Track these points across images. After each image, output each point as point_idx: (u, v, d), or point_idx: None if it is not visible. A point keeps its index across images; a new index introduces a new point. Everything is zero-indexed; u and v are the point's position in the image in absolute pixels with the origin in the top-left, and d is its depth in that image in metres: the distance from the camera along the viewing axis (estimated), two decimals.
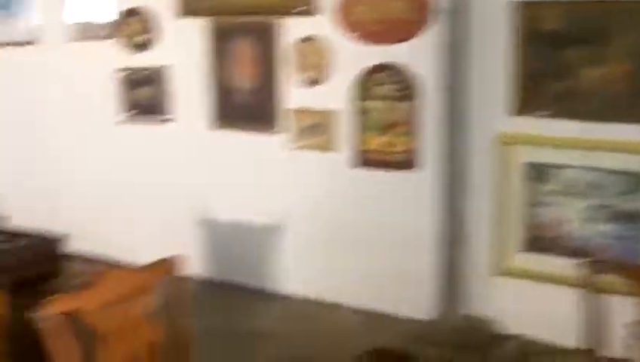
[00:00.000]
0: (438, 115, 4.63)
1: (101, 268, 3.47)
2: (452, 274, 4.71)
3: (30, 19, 6.23)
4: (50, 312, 2.03)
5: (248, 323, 4.93)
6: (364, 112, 4.97)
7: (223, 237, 5.64)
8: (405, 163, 4.85)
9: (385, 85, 4.86)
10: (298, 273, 5.39)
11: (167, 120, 5.78)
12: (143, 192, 5.95)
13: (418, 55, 4.70)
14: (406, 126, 4.82)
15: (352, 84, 4.97)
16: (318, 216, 5.28)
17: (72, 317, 2.07)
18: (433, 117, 4.68)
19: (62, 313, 2.05)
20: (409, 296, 4.91)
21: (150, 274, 2.36)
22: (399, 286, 4.95)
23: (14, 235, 3.26)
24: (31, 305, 3.25)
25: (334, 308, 5.18)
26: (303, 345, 4.58)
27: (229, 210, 5.60)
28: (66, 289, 3.41)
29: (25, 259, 3.27)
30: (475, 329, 4.65)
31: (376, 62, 4.85)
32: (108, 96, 5.97)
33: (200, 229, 5.71)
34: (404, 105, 4.81)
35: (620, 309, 2.74)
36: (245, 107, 5.45)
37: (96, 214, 5.88)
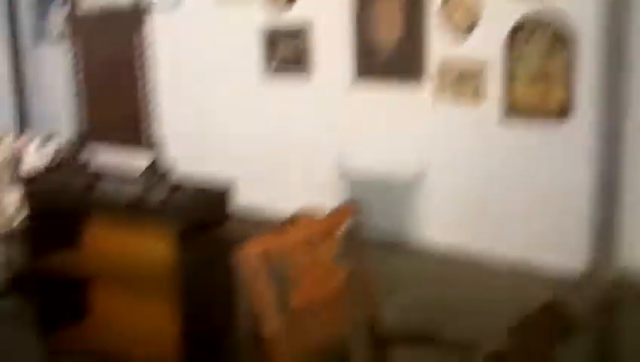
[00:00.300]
0: (595, 63, 4.45)
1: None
2: (607, 226, 4.56)
3: None
4: (249, 253, 2.08)
5: (388, 276, 4.94)
6: (515, 62, 4.83)
7: (363, 190, 5.65)
8: (559, 112, 4.69)
9: (538, 33, 4.69)
10: (440, 226, 5.36)
11: (310, 75, 5.81)
12: (286, 145, 6.03)
13: (575, 1, 4.52)
14: (561, 75, 4.65)
15: (503, 33, 4.83)
16: (463, 169, 5.21)
17: (267, 259, 2.12)
18: (590, 65, 4.50)
19: (259, 254, 2.10)
20: (561, 248, 4.79)
21: (334, 219, 2.39)
22: (550, 239, 4.84)
23: (180, 185, 3.36)
24: (200, 251, 3.38)
25: (478, 261, 5.12)
26: (446, 298, 4.54)
27: (369, 163, 5.61)
28: (233, 237, 3.51)
29: (193, 207, 3.37)
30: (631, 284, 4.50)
31: (530, 9, 4.69)
32: (254, 53, 6.05)
33: (340, 182, 5.74)
34: (559, 54, 4.64)
35: None
36: (389, 60, 5.41)
37: (243, 165, 5.98)
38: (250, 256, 2.08)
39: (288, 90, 5.97)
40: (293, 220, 2.27)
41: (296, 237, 2.23)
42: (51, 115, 7.68)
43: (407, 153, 5.43)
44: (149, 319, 3.69)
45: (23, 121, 7.82)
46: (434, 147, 5.32)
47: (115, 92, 3.41)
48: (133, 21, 3.20)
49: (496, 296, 4.49)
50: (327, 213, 2.38)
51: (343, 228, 2.41)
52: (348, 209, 2.48)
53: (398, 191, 5.49)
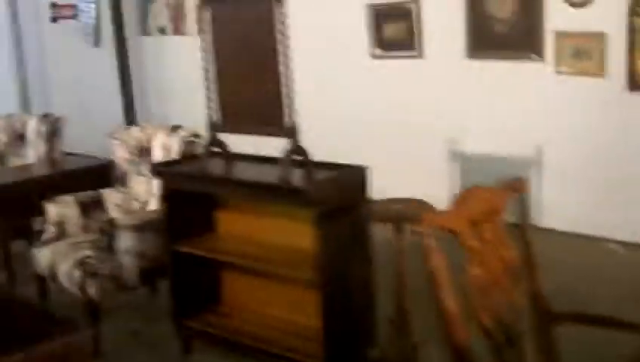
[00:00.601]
0: None
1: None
2: None
3: None
4: (426, 229, 2.06)
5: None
6: (637, 33, 4.66)
7: (478, 171, 5.56)
8: None
9: None
10: (557, 206, 5.22)
11: (420, 52, 5.74)
12: (398, 124, 5.95)
13: None
14: None
15: (622, 3, 4.66)
16: (584, 147, 5.07)
17: (442, 235, 2.10)
18: None
19: (436, 230, 2.08)
20: None
21: (504, 192, 2.35)
22: None
23: (318, 167, 3.36)
24: (341, 235, 3.37)
25: (598, 241, 4.98)
26: (567, 277, 4.42)
27: (485, 143, 5.52)
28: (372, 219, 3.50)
29: (333, 189, 3.36)
30: None
31: None
32: (363, 30, 6.00)
33: (454, 162, 5.67)
34: None
35: None
36: (503, 34, 5.30)
37: (355, 143, 5.95)
38: (426, 232, 2.06)
39: (398, 67, 5.90)
40: (462, 196, 2.23)
41: (467, 213, 2.19)
42: (162, 107, 7.88)
43: (524, 131, 5.31)
44: (288, 306, 3.72)
45: (129, 114, 8.05)
46: (553, 124, 5.19)
47: (249, 77, 3.42)
48: (268, 3, 3.20)
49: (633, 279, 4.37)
50: (493, 188, 2.34)
51: (510, 203, 2.37)
52: (514, 184, 2.43)
53: (516, 171, 5.37)
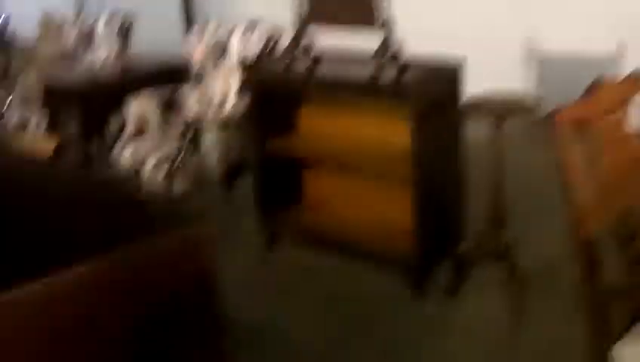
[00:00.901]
0: None
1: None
2: None
3: None
4: (563, 121, 2.01)
5: None
6: None
7: (555, 70, 5.43)
8: None
9: None
10: None
11: None
12: (473, 25, 5.77)
13: None
14: None
15: None
16: None
17: (579, 127, 2.05)
18: None
19: (572, 121, 2.03)
20: None
21: (630, 87, 2.27)
22: None
23: (411, 64, 3.28)
24: (435, 134, 3.33)
25: None
26: None
27: (561, 42, 5.35)
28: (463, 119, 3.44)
29: (427, 86, 3.30)
30: None
31: None
32: None
33: (530, 61, 5.53)
34: None
35: None
36: None
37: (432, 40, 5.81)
38: (563, 123, 2.00)
39: None
40: (593, 87, 2.16)
41: (600, 104, 2.13)
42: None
43: (603, 31, 5.12)
44: (376, 203, 3.71)
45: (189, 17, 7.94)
46: (635, 26, 4.99)
47: None
48: None
49: None
50: (622, 80, 2.26)
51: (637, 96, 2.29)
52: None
53: (593, 73, 5.22)
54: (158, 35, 6.85)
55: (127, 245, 1.93)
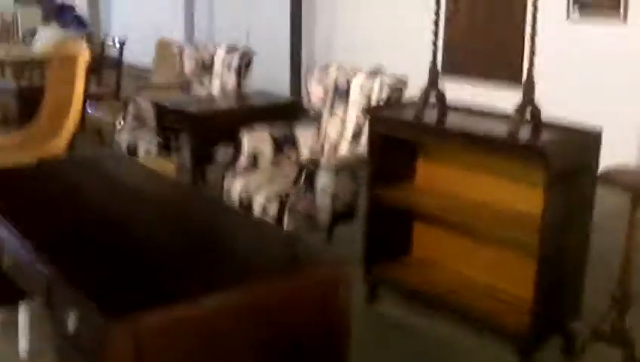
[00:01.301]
0: None
1: None
2: None
3: None
4: None
5: None
6: None
7: None
8: None
9: None
10: None
11: (623, 15, 5.36)
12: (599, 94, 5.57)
13: None
14: None
15: None
16: None
17: None
18: None
19: None
20: None
21: None
22: None
23: (549, 125, 3.17)
24: (566, 199, 3.17)
25: None
26: None
27: None
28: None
29: (565, 149, 3.17)
30: None
31: None
32: None
33: None
34: None
35: None
36: None
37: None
38: None
39: (599, 34, 5.54)
40: None
41: None
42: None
43: None
44: (490, 268, 3.57)
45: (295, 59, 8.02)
46: None
47: (486, 25, 3.25)
48: None
49: None
50: None
51: None
52: None
53: None
54: (266, 73, 6.91)
55: (273, 276, 1.92)
